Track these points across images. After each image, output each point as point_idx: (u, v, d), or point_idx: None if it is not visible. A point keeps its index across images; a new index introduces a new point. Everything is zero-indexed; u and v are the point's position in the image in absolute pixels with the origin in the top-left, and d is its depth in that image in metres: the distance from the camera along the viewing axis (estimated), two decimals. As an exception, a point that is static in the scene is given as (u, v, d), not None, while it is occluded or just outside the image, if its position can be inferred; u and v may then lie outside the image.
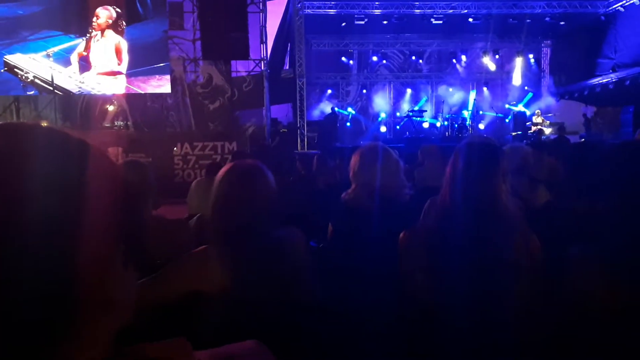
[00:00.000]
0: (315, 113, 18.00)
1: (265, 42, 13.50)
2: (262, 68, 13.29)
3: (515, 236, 1.56)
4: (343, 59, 19.88)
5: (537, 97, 18.13)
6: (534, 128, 15.01)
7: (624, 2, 14.76)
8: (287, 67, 15.90)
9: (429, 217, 1.67)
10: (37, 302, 0.50)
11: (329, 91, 20.14)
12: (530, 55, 19.29)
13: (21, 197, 0.50)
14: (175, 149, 9.93)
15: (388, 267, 1.72)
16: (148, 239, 1.65)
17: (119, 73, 11.71)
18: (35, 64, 11.61)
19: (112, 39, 11.62)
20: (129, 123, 12.22)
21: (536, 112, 15.92)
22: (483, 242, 1.54)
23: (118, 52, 11.66)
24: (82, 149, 0.58)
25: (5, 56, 11.60)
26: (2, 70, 11.63)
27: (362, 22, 16.26)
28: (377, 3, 15.87)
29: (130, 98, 12.27)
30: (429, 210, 2.16)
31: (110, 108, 12.32)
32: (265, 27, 13.48)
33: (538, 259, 1.57)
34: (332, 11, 16.14)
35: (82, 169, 0.55)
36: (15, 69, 11.62)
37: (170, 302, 1.37)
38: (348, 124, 18.46)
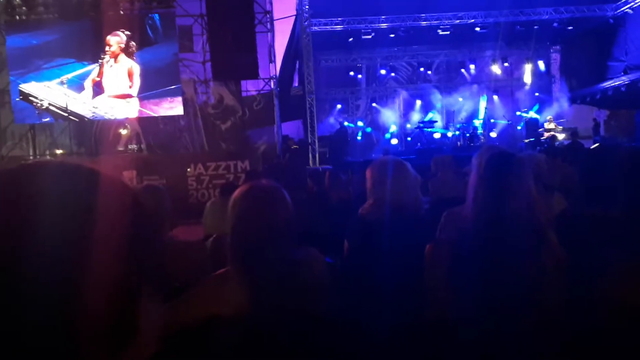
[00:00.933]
0: (326, 128, 18.07)
1: (274, 61, 13.64)
2: (272, 86, 13.41)
3: (543, 247, 1.54)
4: (351, 73, 20.00)
5: (548, 102, 18.02)
6: (546, 134, 14.88)
7: (632, 4, 14.68)
8: (297, 84, 16.03)
9: (452, 230, 1.65)
10: (51, 333, 0.50)
11: (339, 106, 20.24)
12: (540, 62, 19.22)
13: (33, 232, 0.51)
14: (188, 169, 10.01)
15: (408, 282, 1.70)
16: (166, 264, 1.66)
17: (130, 96, 11.90)
18: (49, 92, 11.85)
19: (125, 63, 11.84)
20: (142, 146, 12.37)
21: (548, 118, 15.80)
22: (509, 254, 1.52)
23: (130, 75, 11.87)
24: (92, 179, 0.59)
25: (20, 85, 11.86)
26: (17, 99, 11.88)
27: (369, 37, 16.37)
28: (383, 17, 15.98)
29: (143, 121, 12.44)
30: (446, 223, 2.15)
31: (124, 132, 12.49)
32: (273, 46, 13.64)
33: (564, 268, 1.54)
34: (338, 27, 16.28)
35: (93, 199, 0.56)
36: (30, 97, 11.86)
37: (191, 326, 1.37)
38: (359, 137, 18.50)
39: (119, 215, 0.58)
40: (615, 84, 15.15)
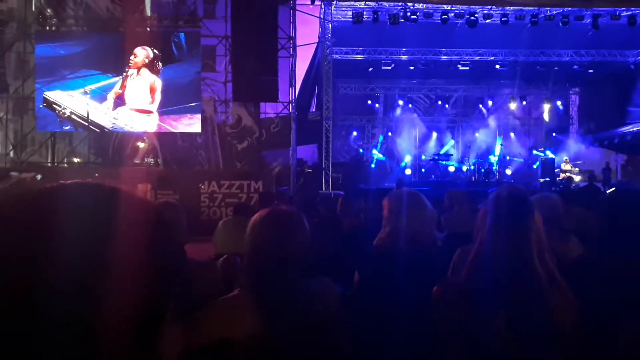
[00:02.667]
0: (340, 154, 18.14)
1: (294, 86, 13.81)
2: (290, 110, 13.54)
3: (552, 296, 1.51)
4: (369, 102, 20.17)
5: (565, 143, 17.95)
6: (562, 175, 14.77)
7: (654, 51, 14.71)
8: (314, 109, 16.17)
9: (461, 273, 1.61)
10: (72, 350, 0.51)
11: (355, 133, 20.36)
12: (559, 102, 19.23)
13: (55, 254, 0.52)
14: (202, 186, 10.06)
15: (419, 318, 1.68)
16: (185, 284, 1.66)
17: (150, 112, 12.08)
18: (72, 100, 12.08)
19: (148, 78, 12.05)
20: (159, 160, 12.49)
21: (565, 159, 15.72)
22: (518, 302, 1.49)
23: (152, 91, 12.06)
24: (115, 198, 0.60)
25: (45, 92, 12.11)
26: (41, 106, 12.12)
27: (389, 68, 16.55)
28: (403, 49, 16.17)
29: (162, 136, 12.60)
30: (458, 262, 2.12)
31: (142, 145, 12.65)
32: (294, 72, 13.82)
33: (576, 319, 1.50)
34: (359, 57, 16.50)
35: (117, 218, 0.57)
36: (54, 105, 12.10)
37: (201, 350, 1.36)
38: (373, 165, 18.53)
39: (143, 234, 0.59)
40: (634, 129, 15.07)
